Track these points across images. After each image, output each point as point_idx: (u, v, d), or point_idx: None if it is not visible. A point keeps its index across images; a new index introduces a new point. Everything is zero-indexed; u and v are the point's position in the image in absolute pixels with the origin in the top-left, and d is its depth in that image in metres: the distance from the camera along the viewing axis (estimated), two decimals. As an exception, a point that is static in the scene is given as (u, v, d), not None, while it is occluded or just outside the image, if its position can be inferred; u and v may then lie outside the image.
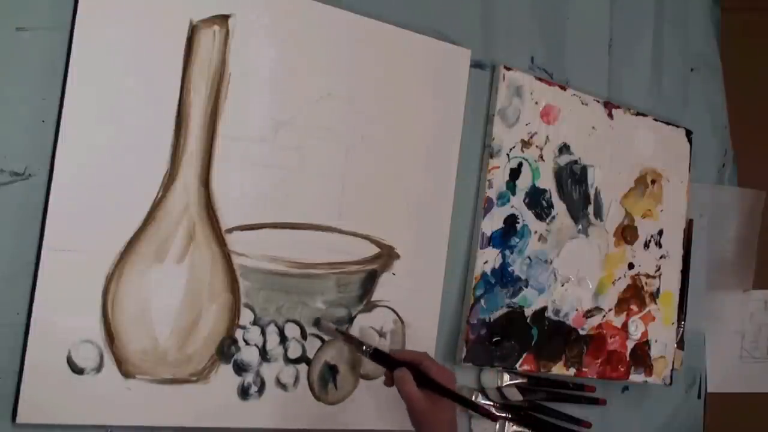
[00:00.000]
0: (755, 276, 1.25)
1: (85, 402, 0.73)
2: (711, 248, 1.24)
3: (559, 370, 1.02)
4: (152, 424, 0.76)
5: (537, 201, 1.01)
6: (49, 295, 0.71)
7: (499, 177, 0.98)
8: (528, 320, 1.00)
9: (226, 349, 0.80)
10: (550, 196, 1.03)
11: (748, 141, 1.26)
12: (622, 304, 1.09)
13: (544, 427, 1.02)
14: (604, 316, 1.08)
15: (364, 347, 0.81)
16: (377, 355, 0.81)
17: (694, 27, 1.24)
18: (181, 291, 0.77)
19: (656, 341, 1.13)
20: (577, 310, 1.05)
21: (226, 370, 0.80)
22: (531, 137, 1.00)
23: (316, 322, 0.85)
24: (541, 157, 1.02)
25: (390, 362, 0.80)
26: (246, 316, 0.81)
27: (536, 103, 1.01)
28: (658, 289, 1.14)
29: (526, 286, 1.00)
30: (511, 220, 0.99)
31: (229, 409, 0.80)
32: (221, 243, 0.79)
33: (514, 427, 0.99)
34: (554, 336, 1.02)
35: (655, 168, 1.14)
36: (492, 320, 0.97)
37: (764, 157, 1.25)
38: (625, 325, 1.10)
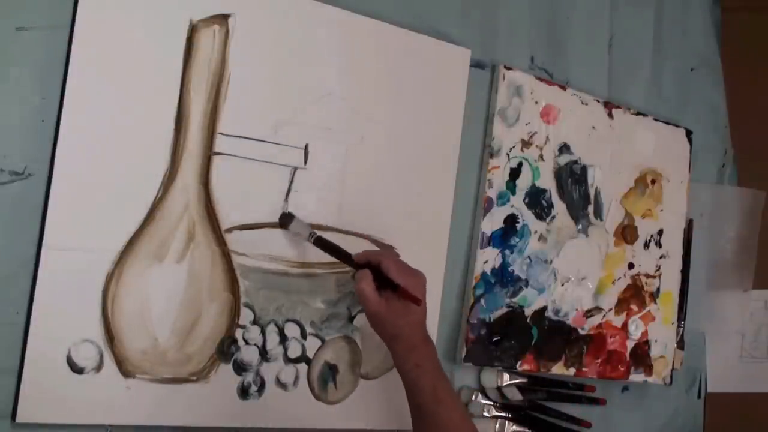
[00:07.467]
0: (755, 276, 1.25)
1: (85, 401, 0.73)
2: (711, 248, 1.24)
3: (559, 369, 1.02)
4: (152, 423, 0.76)
5: (537, 201, 1.01)
6: (49, 294, 0.71)
7: (499, 177, 0.98)
8: (528, 320, 1.00)
9: (226, 349, 0.80)
10: (550, 196, 1.03)
11: (748, 141, 1.26)
12: (622, 304, 1.09)
13: (544, 427, 1.02)
14: (604, 316, 1.07)
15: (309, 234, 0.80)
16: (323, 244, 0.79)
17: (694, 27, 1.24)
18: (181, 290, 0.77)
19: (656, 341, 1.13)
20: (577, 310, 1.05)
21: (226, 369, 0.80)
22: (531, 137, 1.00)
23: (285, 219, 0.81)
24: (541, 156, 1.02)
25: (350, 262, 0.79)
26: (246, 316, 0.81)
27: (536, 103, 1.01)
28: (658, 289, 1.14)
29: (526, 286, 1.00)
30: (511, 220, 0.99)
31: (229, 409, 0.80)
32: (221, 242, 0.79)
33: (514, 427, 0.99)
34: (554, 336, 1.02)
35: (655, 168, 1.13)
36: (492, 320, 0.97)
37: (764, 157, 1.25)
38: (625, 325, 1.09)
